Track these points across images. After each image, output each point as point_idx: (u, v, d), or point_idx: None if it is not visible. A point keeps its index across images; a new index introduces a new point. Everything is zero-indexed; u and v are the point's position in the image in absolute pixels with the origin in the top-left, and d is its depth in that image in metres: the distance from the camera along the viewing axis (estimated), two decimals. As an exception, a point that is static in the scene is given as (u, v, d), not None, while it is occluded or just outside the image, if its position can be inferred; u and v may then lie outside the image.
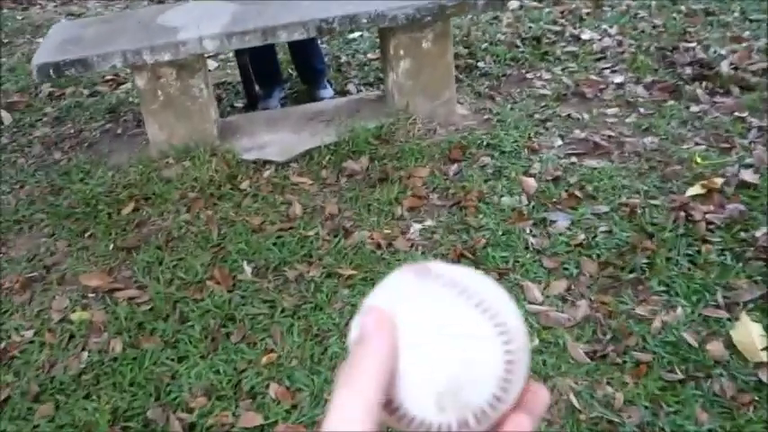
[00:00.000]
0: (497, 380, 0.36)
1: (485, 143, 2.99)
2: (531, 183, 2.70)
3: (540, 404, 0.38)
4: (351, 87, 3.67)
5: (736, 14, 4.14)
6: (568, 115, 3.18)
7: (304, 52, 3.49)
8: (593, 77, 3.51)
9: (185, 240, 2.59)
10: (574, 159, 2.85)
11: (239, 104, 3.66)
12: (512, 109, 3.28)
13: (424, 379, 0.36)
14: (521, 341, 0.37)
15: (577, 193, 2.62)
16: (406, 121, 3.15)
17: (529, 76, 3.64)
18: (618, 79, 3.47)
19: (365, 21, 2.82)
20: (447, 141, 3.04)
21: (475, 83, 3.59)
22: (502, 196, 2.65)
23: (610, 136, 2.99)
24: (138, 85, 2.87)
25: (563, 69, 3.65)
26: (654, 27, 4.05)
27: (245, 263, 2.42)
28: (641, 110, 3.18)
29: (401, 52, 3.04)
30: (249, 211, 2.71)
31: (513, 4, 4.58)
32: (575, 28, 4.12)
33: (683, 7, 4.30)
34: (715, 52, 3.64)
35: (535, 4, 4.52)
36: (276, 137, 3.13)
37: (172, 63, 2.80)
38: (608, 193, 2.60)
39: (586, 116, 3.17)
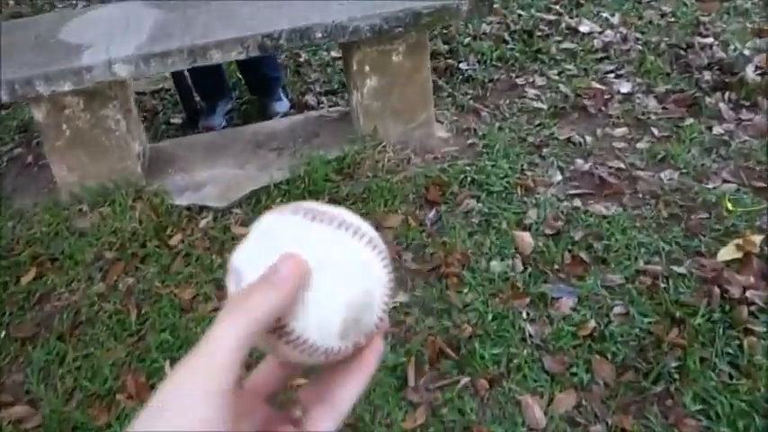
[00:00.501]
0: (383, 304, 0.40)
1: (469, 179, 2.47)
2: (526, 239, 2.19)
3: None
4: (310, 98, 3.10)
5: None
6: (568, 139, 2.66)
7: (253, 58, 2.90)
8: (596, 85, 2.98)
9: (96, 325, 2.06)
10: (578, 203, 2.34)
11: (177, 120, 3.08)
12: (500, 128, 2.75)
13: (330, 310, 0.38)
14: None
15: (583, 255, 2.12)
16: (374, 148, 2.61)
17: (519, 81, 3.09)
18: (625, 88, 2.94)
19: (320, 35, 2.25)
20: (423, 175, 2.51)
21: (456, 91, 3.04)
22: (491, 259, 2.15)
23: (619, 168, 2.48)
24: (37, 118, 2.30)
25: (560, 73, 3.10)
26: (662, 16, 3.50)
27: (167, 363, 1.91)
28: (654, 131, 2.66)
29: (366, 68, 2.48)
30: (179, 280, 2.19)
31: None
32: (571, 17, 3.55)
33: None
34: (736, 50, 3.11)
35: (525, -14, 3.93)
36: (216, 172, 2.58)
37: (77, 91, 2.23)
38: (621, 256, 2.10)
39: (589, 139, 2.65)
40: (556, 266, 2.09)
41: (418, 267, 2.17)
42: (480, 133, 2.72)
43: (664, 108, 2.79)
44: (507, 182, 2.45)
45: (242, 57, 2.24)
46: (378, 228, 2.18)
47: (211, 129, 2.92)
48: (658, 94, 2.88)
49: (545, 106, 2.87)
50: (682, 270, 2.03)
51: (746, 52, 3.04)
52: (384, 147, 2.62)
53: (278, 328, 0.37)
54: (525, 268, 2.10)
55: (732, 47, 3.14)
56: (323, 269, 0.38)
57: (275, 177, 2.54)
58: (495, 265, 2.12)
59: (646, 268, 2.05)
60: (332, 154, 2.59)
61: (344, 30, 2.26)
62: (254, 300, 0.36)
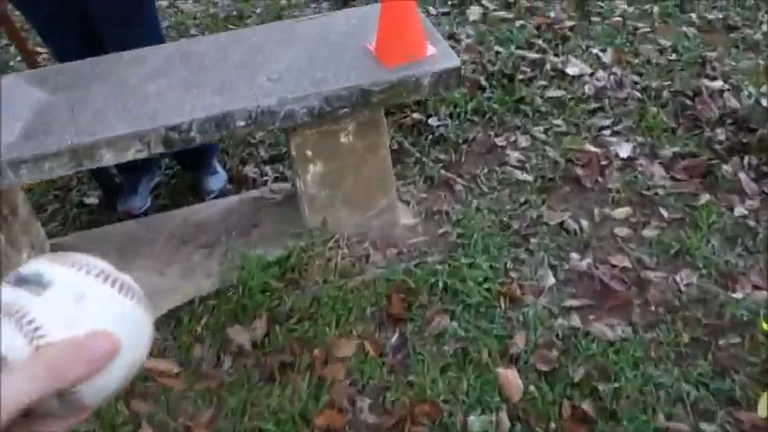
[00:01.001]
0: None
1: (441, 284, 2.00)
2: (512, 380, 1.73)
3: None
4: (251, 170, 2.60)
5: (764, 28, 3.14)
6: (560, 224, 2.19)
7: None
8: (589, 147, 2.51)
9: None
10: (576, 320, 1.88)
11: (93, 199, 2.58)
12: (478, 209, 2.27)
13: (114, 377, 0.41)
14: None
15: (586, 406, 1.65)
16: (325, 244, 2.13)
17: (500, 141, 2.62)
18: (624, 150, 2.47)
19: (243, 123, 1.76)
20: (385, 279, 2.04)
21: (425, 156, 2.56)
22: (468, 411, 1.68)
23: (624, 268, 2.02)
24: None
25: (546, 130, 2.63)
26: (661, 52, 3.04)
27: None
28: (663, 212, 2.20)
29: (308, 153, 2.00)
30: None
31: (474, 13, 3.50)
32: (557, 54, 3.07)
33: (693, 16, 3.28)
34: (750, 97, 2.66)
35: (503, 14, 3.45)
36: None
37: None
38: (635, 406, 1.64)
39: (586, 224, 2.18)
40: (552, 424, 1.63)
41: (377, 421, 1.70)
42: (454, 217, 2.25)
43: (672, 179, 2.33)
44: (488, 289, 1.98)
45: (142, 155, 1.75)
46: (326, 360, 1.71)
47: (130, 214, 2.42)
48: (664, 158, 2.42)
49: (531, 177, 2.40)
50: (713, 429, 1.58)
51: (764, 101, 2.58)
52: (337, 241, 2.14)
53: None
54: (513, 425, 1.64)
55: (745, 92, 2.69)
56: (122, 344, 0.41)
57: (202, 287, 2.05)
58: (474, 421, 1.65)
59: (667, 426, 1.59)
60: (273, 252, 2.11)
61: (274, 116, 1.77)
62: (64, 370, 0.38)
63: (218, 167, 2.55)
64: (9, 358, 0.38)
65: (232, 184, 2.55)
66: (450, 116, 2.77)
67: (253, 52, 1.97)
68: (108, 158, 1.72)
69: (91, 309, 0.41)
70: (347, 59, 1.89)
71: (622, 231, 2.15)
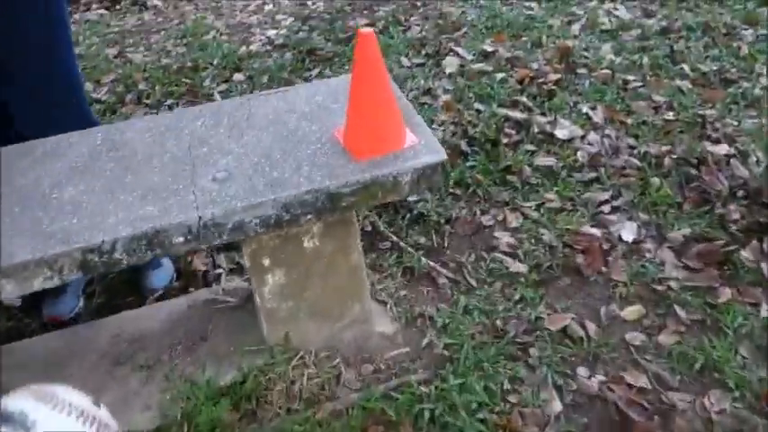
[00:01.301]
0: None
1: (426, 415, 1.67)
2: None
3: None
4: (202, 262, 2.25)
5: (763, 81, 2.91)
6: (563, 330, 1.88)
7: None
8: (588, 228, 2.22)
9: None
10: (590, 463, 1.57)
11: (16, 301, 2.20)
12: (467, 312, 1.95)
13: None
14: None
15: None
16: (288, 363, 1.79)
17: (486, 220, 2.31)
18: (628, 232, 2.18)
19: (181, 239, 1.42)
20: (361, 408, 1.70)
21: (403, 239, 2.24)
22: None
23: (642, 389, 1.71)
24: None
25: (538, 206, 2.33)
26: (656, 109, 2.78)
27: None
28: (680, 312, 1.90)
29: (266, 262, 1.66)
30: None
31: (451, 65, 3.22)
32: (543, 113, 2.80)
33: (686, 68, 3.03)
34: (759, 163, 2.41)
35: (481, 66, 3.17)
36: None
37: None
38: None
39: (593, 329, 1.88)
40: None
41: None
42: (440, 322, 1.92)
43: (686, 268, 2.05)
44: (482, 420, 1.65)
45: (53, 284, 1.40)
46: None
47: (57, 320, 2.05)
48: (674, 242, 2.14)
49: (524, 268, 2.09)
50: None
51: (777, 171, 2.33)
52: (302, 359, 1.80)
53: None
54: None
55: (753, 158, 2.44)
56: None
57: (138, 424, 1.69)
58: None
59: None
60: (225, 375, 1.76)
61: (220, 228, 1.44)
62: None
63: (163, 259, 2.19)
64: None
65: (179, 280, 2.19)
66: (430, 189, 2.46)
67: (196, 141, 1.64)
68: (8, 290, 1.36)
69: None
70: (310, 152, 1.57)
71: (635, 338, 1.84)
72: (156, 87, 3.28)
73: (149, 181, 1.53)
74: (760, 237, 2.10)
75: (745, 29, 3.31)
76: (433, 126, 2.78)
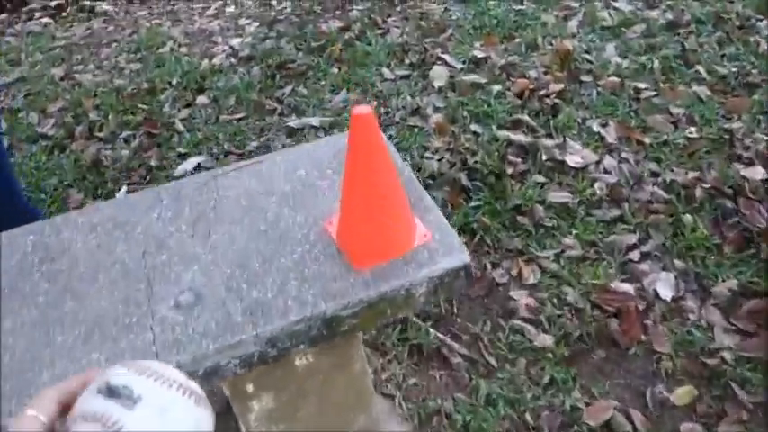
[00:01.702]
0: None
1: None
2: None
3: None
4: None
5: (789, 83, 2.62)
6: (606, 425, 1.59)
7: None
8: (618, 284, 1.92)
9: None
10: None
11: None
12: (489, 402, 1.66)
13: None
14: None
15: None
16: (283, 492, 1.48)
17: (499, 276, 2.01)
18: (665, 287, 1.90)
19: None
20: None
21: (405, 306, 1.93)
22: None
23: (709, 503, 1.44)
24: None
25: (557, 256, 2.03)
26: (675, 124, 2.48)
27: None
28: (740, 393, 1.62)
29: (248, 388, 1.34)
30: None
31: (439, 76, 2.88)
32: (549, 134, 2.48)
33: (702, 70, 2.73)
34: (800, 189, 2.13)
35: (474, 77, 2.83)
36: None
37: None
38: None
39: (640, 420, 1.59)
40: None
41: None
42: (459, 420, 1.62)
43: (738, 331, 1.77)
44: None
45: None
46: None
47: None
48: (720, 297, 1.85)
49: (550, 340, 1.79)
50: None
51: (824, 201, 2.05)
52: (299, 485, 1.49)
53: None
54: None
55: (793, 183, 2.16)
56: None
57: None
58: None
59: None
60: None
61: (188, 377, 1.11)
62: None
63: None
64: None
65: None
66: (449, 299, 2.14)
67: (152, 244, 1.30)
68: None
69: (172, 421, 0.50)
70: (297, 257, 1.24)
71: (691, 431, 1.57)
72: (110, 116, 2.90)
73: (94, 309, 1.19)
74: (816, 286, 1.83)
75: (760, 20, 3.00)
76: (427, 155, 2.45)
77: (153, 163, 2.57)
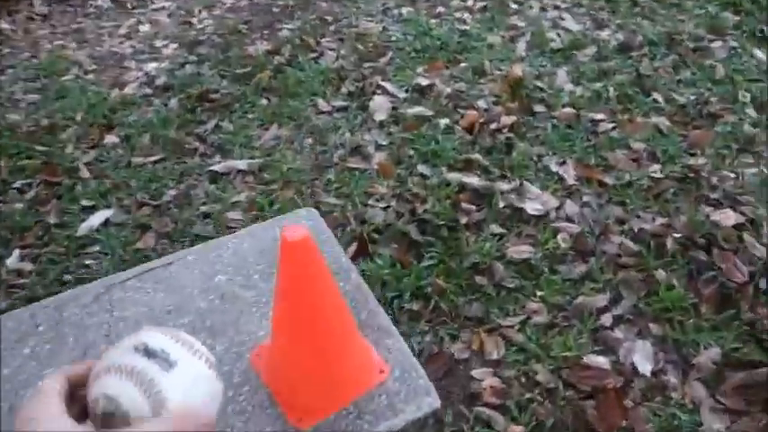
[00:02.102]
0: None
1: None
2: None
3: None
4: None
5: (751, 112, 2.47)
6: None
7: None
8: (592, 357, 1.71)
9: None
10: None
11: None
12: None
13: None
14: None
15: None
16: None
17: (459, 351, 1.75)
18: (642, 361, 1.68)
19: None
20: None
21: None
22: None
23: None
24: None
25: (522, 324, 1.80)
26: (636, 162, 2.30)
27: None
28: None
29: None
30: None
31: (381, 109, 2.62)
32: (504, 175, 2.26)
33: (659, 98, 2.56)
34: (776, 236, 1.97)
35: (419, 109, 2.59)
36: None
37: None
38: None
39: None
40: None
41: None
42: None
43: (726, 411, 1.58)
44: None
45: None
46: None
47: None
48: (703, 370, 1.66)
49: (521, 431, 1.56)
50: None
51: (802, 250, 1.89)
52: None
53: None
54: None
55: (767, 229, 2.00)
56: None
57: None
58: None
59: None
60: None
61: None
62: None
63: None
64: (132, 416, 0.50)
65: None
66: (380, 301, 1.88)
67: (23, 399, 0.99)
68: None
69: (201, 391, 0.54)
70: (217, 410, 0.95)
71: None
72: (2, 162, 2.51)
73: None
74: (805, 353, 1.66)
75: (713, 40, 2.87)
76: (371, 202, 2.19)
77: (52, 220, 2.21)
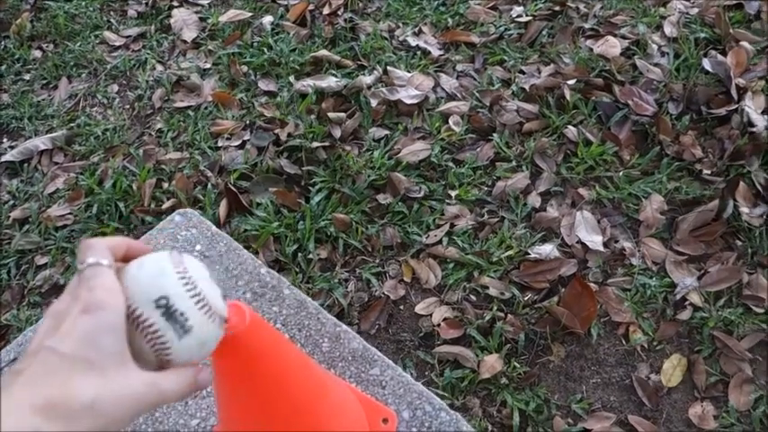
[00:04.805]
0: None
1: None
2: None
3: None
4: None
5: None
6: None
7: None
8: (537, 247, 1.50)
9: None
10: None
11: None
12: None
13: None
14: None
15: None
16: None
17: (391, 290, 1.48)
18: (587, 232, 1.51)
19: None
20: None
21: None
22: None
23: None
24: None
25: (448, 238, 1.55)
26: (497, 10, 2.03)
27: None
28: (734, 344, 1.33)
29: None
30: None
31: (186, 26, 2.11)
32: (364, 67, 1.91)
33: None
34: (663, 52, 1.83)
35: (234, 13, 2.11)
36: None
37: None
38: None
39: (645, 428, 1.25)
40: None
41: None
42: None
43: (690, 260, 1.45)
44: None
45: None
46: None
47: None
48: (653, 224, 1.51)
49: (497, 361, 1.35)
50: None
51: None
52: None
53: None
54: None
55: (653, 46, 1.85)
56: None
57: None
58: None
59: None
60: None
61: None
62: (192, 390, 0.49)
63: None
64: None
65: None
66: (283, 262, 1.53)
67: None
68: None
69: (204, 353, 0.50)
70: None
71: (702, 411, 1.25)
72: None
73: None
74: (738, 173, 1.56)
75: None
76: (221, 143, 1.77)
77: None
